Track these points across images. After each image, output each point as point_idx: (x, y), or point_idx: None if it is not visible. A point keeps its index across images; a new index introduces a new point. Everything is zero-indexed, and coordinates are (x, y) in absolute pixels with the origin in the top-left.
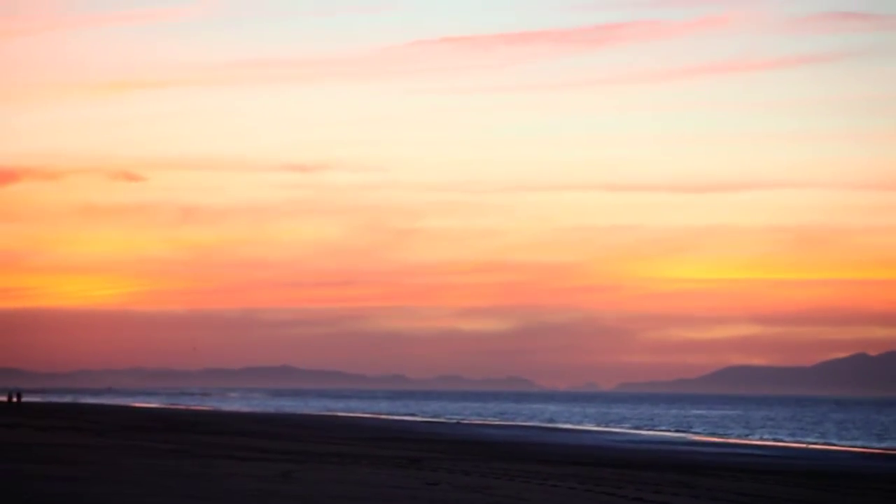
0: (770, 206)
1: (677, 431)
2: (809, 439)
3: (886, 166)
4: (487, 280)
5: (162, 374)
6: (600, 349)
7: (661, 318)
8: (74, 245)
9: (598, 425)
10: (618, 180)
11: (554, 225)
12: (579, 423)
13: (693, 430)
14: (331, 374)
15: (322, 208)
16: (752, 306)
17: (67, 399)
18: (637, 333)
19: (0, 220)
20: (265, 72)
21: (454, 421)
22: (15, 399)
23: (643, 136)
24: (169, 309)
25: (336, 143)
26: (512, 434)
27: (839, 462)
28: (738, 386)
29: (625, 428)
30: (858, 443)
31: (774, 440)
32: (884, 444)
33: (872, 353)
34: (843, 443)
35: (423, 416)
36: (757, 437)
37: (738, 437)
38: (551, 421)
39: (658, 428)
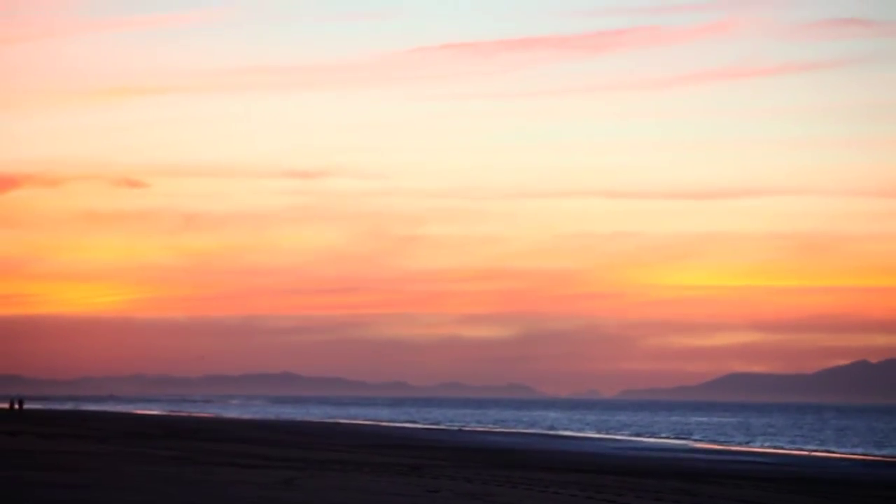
0: (772, 212)
1: (677, 438)
2: (810, 447)
3: (889, 173)
4: (489, 287)
5: (163, 381)
6: (602, 356)
7: (663, 325)
8: (76, 252)
9: (599, 432)
10: (619, 187)
11: (555, 232)
12: (580, 430)
13: (693, 437)
14: (332, 381)
15: (323, 215)
16: (753, 313)
17: (68, 406)
18: (638, 340)
19: (1, 227)
20: (266, 78)
21: (455, 428)
22: (17, 406)
23: (645, 142)
24: (170, 316)
25: (337, 150)
26: (513, 441)
27: (839, 469)
28: (740, 393)
29: (625, 435)
30: (858, 450)
31: (775, 447)
32: (883, 452)
33: (874, 360)
34: (843, 450)
35: (424, 423)
36: (758, 444)
37: (739, 444)
38: (552, 428)
39: (659, 435)
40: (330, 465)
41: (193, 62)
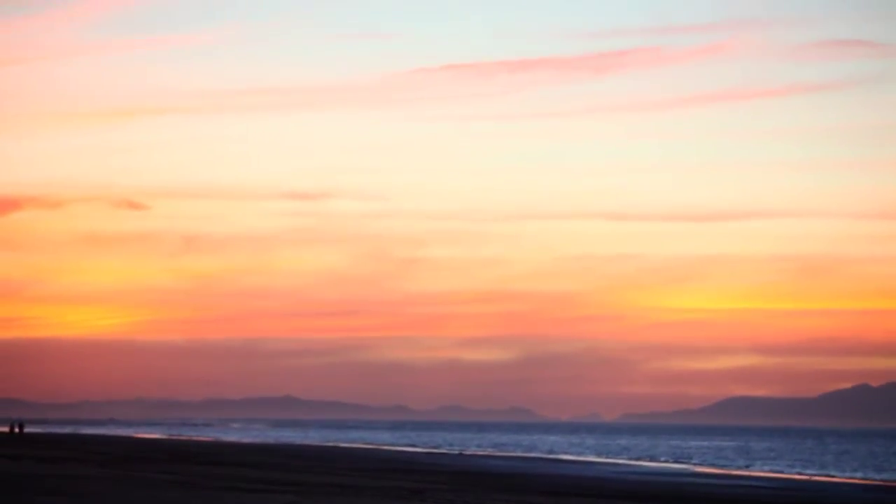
0: (773, 235)
1: (678, 462)
2: (810, 471)
3: (891, 196)
4: (490, 310)
5: (164, 404)
6: (603, 379)
7: (664, 348)
8: (77, 274)
9: (599, 456)
10: (621, 209)
11: (556, 254)
12: (580, 454)
13: (693, 461)
14: (333, 405)
15: (324, 237)
16: (754, 336)
17: (68, 430)
18: (639, 363)
19: (2, 249)
20: (267, 99)
21: (456, 452)
22: (17, 430)
23: (646, 164)
24: (171, 338)
25: (338, 171)
26: (513, 465)
27: (839, 494)
28: (741, 417)
29: (625, 459)
30: (858, 474)
31: (775, 471)
32: (883, 476)
33: (875, 384)
34: (844, 474)
35: (424, 447)
36: (758, 468)
37: (739, 468)
38: (552, 452)
39: (659, 459)
40: (331, 490)
41: (194, 84)
